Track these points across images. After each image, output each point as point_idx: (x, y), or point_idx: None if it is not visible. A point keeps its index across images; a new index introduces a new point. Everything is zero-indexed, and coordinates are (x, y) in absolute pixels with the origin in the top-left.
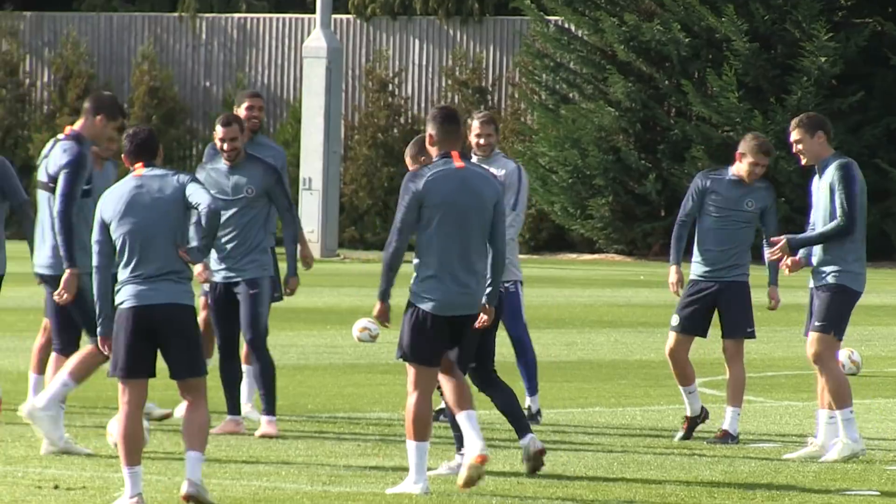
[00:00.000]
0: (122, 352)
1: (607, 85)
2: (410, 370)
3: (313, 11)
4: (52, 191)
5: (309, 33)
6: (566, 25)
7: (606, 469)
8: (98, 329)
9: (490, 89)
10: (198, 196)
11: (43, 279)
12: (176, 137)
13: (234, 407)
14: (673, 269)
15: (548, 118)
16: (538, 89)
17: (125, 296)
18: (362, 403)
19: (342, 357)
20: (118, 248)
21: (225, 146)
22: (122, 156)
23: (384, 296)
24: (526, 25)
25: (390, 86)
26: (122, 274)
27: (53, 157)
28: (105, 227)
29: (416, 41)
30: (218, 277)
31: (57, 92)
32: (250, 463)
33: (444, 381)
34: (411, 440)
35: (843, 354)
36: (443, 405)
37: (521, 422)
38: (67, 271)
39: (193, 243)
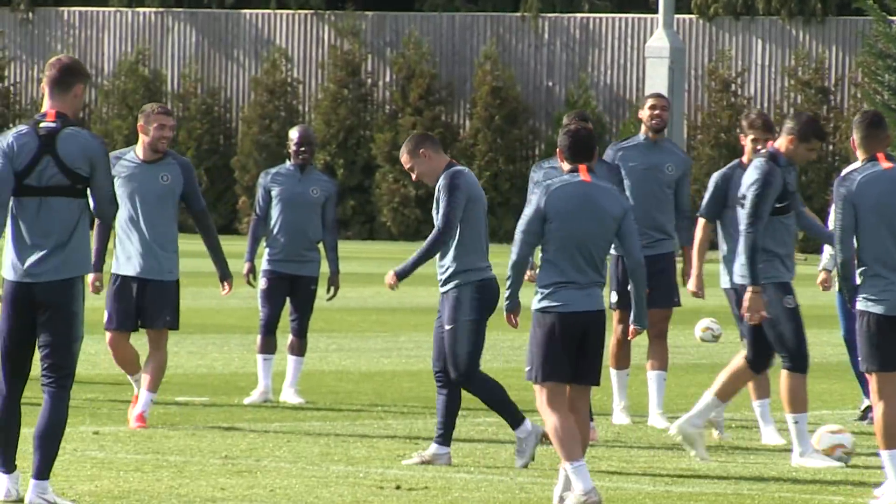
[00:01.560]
0: None
1: None
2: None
3: (656, 11)
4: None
5: (651, 33)
6: None
7: None
8: None
9: (832, 89)
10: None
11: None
12: (518, 138)
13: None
14: None
15: (891, 118)
16: (881, 89)
17: (556, 301)
18: None
19: (685, 357)
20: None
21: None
22: (558, 151)
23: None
24: (868, 25)
25: (733, 86)
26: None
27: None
28: (543, 220)
29: (759, 41)
30: None
31: (399, 92)
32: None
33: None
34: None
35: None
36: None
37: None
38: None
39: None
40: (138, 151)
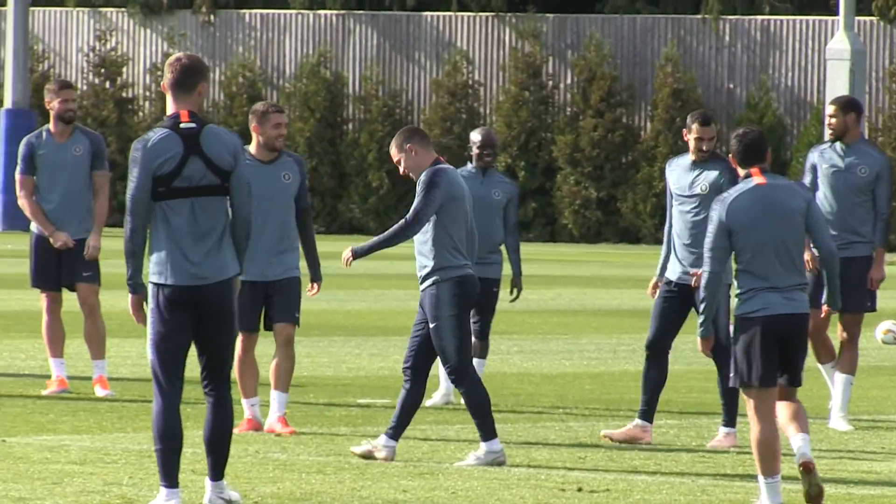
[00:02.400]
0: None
1: None
2: None
3: (836, 13)
4: None
5: (832, 35)
6: None
7: None
8: None
9: None
10: None
11: None
12: None
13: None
14: None
15: None
16: None
17: (756, 305)
18: (887, 406)
19: (866, 360)
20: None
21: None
22: (730, 157)
23: None
24: None
25: None
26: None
27: None
28: (728, 233)
29: None
30: None
31: (580, 94)
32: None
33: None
34: None
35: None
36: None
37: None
38: None
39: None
40: (252, 151)
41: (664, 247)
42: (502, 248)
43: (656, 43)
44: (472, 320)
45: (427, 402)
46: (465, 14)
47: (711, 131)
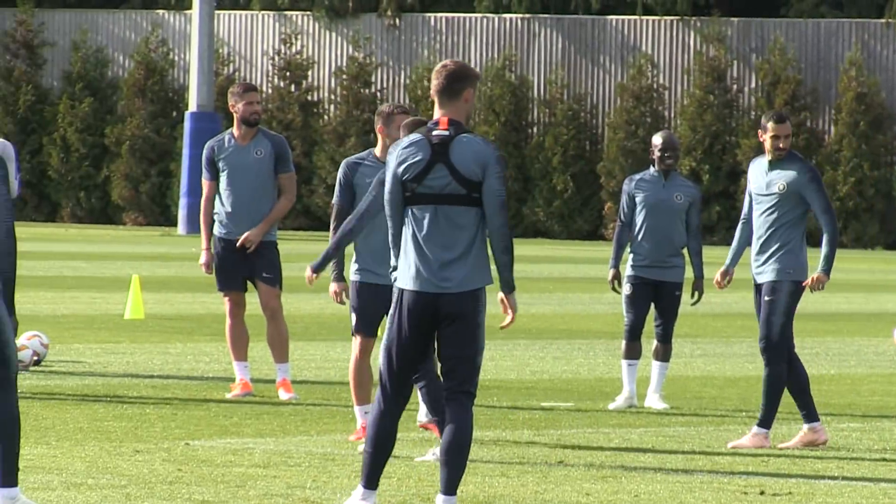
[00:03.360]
0: None
1: None
2: None
3: None
4: None
5: None
6: None
7: None
8: None
9: None
10: None
11: None
12: (883, 143)
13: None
14: None
15: None
16: None
17: None
18: None
19: None
20: None
21: None
22: None
23: None
24: None
25: None
26: None
27: None
28: None
29: None
30: None
31: (764, 98)
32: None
33: None
34: None
35: None
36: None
37: None
38: None
39: None
40: (377, 153)
41: (737, 242)
42: (684, 251)
43: (840, 47)
44: (654, 323)
45: (609, 406)
46: (650, 18)
47: (787, 129)
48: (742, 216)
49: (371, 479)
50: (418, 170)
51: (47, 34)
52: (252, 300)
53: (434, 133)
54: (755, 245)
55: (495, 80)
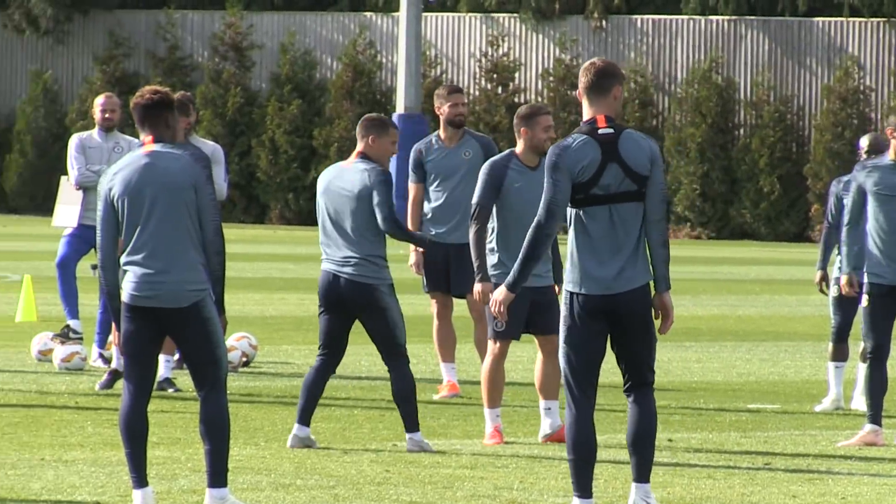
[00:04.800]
0: None
1: None
2: None
3: None
4: None
5: None
6: None
7: None
8: None
9: None
10: None
11: None
12: None
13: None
14: None
15: None
16: None
17: None
18: None
19: None
20: None
21: None
22: None
23: None
24: None
25: None
26: None
27: None
28: None
29: None
30: None
31: None
32: None
33: None
34: None
35: None
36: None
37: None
38: None
39: None
40: (520, 155)
41: (848, 245)
42: None
43: None
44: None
45: (816, 408)
46: (857, 20)
47: None
48: (850, 220)
49: (583, 487)
50: (593, 171)
51: (256, 37)
52: (460, 301)
53: (599, 132)
54: (882, 244)
55: (702, 82)
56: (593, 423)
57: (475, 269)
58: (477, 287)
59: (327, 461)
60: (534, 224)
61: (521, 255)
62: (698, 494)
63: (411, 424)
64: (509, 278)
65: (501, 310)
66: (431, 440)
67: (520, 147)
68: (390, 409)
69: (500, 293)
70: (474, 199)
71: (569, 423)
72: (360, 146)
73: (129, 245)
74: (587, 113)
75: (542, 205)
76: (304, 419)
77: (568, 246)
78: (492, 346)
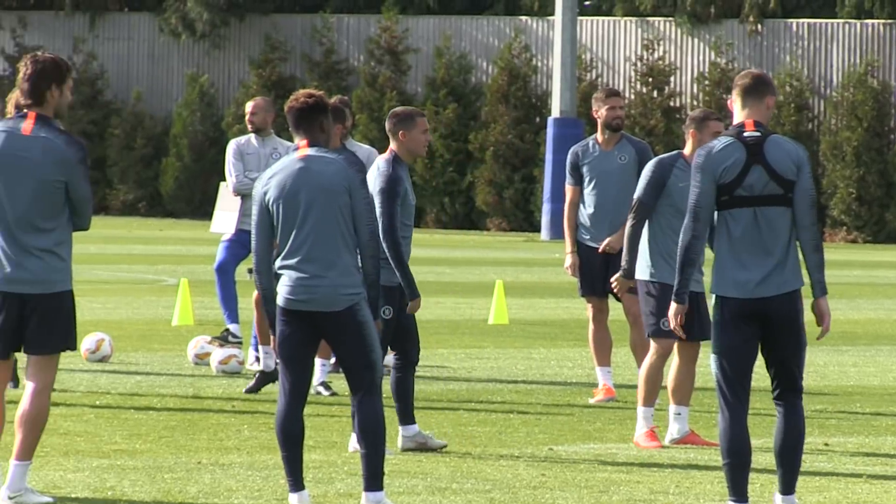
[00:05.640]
0: None
1: None
2: None
3: None
4: None
5: None
6: None
7: None
8: None
9: None
10: None
11: None
12: None
13: None
14: None
15: None
16: None
17: None
18: None
19: None
20: None
21: None
22: None
23: None
24: None
25: None
26: None
27: None
28: None
29: None
30: None
31: None
32: None
33: None
34: None
35: None
36: None
37: None
38: None
39: None
40: (687, 155)
41: None
42: None
43: None
44: None
45: None
46: None
47: None
48: None
49: (738, 492)
50: (736, 172)
51: (411, 40)
52: (615, 305)
53: (745, 135)
54: None
55: (857, 86)
56: (747, 428)
57: (623, 262)
58: (617, 276)
59: (483, 465)
60: (682, 229)
61: (678, 264)
62: (854, 499)
63: None
64: (675, 289)
65: (680, 323)
66: (587, 444)
67: (688, 149)
68: (546, 412)
69: (673, 309)
70: (636, 195)
71: (722, 428)
72: (392, 145)
73: (285, 249)
74: (738, 117)
75: (688, 208)
76: (407, 420)
77: (714, 250)
78: (654, 346)
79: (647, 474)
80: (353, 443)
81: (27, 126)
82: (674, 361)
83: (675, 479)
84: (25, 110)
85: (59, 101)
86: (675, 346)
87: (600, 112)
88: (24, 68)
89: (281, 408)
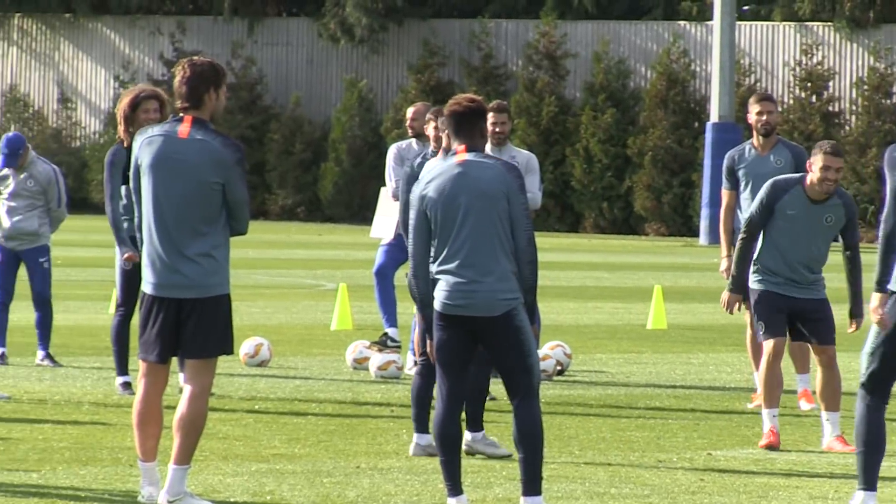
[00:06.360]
0: None
1: None
2: None
3: None
4: None
5: None
6: None
7: None
8: None
9: None
10: None
11: None
12: None
13: None
14: None
15: None
16: None
17: None
18: None
19: None
20: None
21: None
22: None
23: None
24: None
25: None
26: None
27: None
28: None
29: None
30: None
31: None
32: None
33: None
34: None
35: None
36: None
37: None
38: None
39: None
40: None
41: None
42: None
43: None
44: None
45: None
46: None
47: None
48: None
49: (868, 480)
50: None
51: (570, 45)
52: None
53: None
54: None
55: None
56: (883, 418)
57: (729, 277)
58: (724, 296)
59: (641, 470)
60: (883, 217)
61: (880, 252)
62: None
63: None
64: (877, 278)
65: (881, 317)
66: (745, 449)
67: (808, 179)
68: (705, 417)
69: (877, 300)
70: (749, 211)
71: (859, 417)
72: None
73: (442, 254)
74: None
75: (888, 194)
76: (422, 427)
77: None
78: (766, 347)
79: (806, 479)
80: (413, 447)
81: (184, 129)
82: (818, 368)
83: (834, 485)
84: (181, 114)
85: (215, 104)
86: (813, 352)
87: (751, 116)
88: (181, 72)
89: (439, 412)
